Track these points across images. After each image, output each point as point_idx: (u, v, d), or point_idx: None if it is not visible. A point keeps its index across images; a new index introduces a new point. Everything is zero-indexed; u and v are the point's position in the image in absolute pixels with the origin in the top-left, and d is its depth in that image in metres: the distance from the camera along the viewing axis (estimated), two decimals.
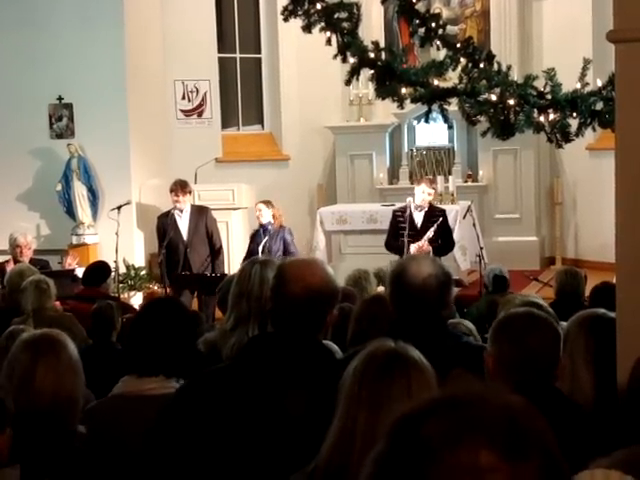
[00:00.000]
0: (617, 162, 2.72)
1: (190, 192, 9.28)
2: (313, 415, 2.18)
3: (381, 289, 6.41)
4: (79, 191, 11.59)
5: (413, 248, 8.46)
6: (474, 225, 10.30)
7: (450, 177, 12.03)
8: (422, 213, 8.79)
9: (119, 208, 9.36)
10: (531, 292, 9.28)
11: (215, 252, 9.20)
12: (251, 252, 8.83)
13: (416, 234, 8.66)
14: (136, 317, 3.20)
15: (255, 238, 9.12)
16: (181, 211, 9.14)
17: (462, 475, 0.91)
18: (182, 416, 2.37)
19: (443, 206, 11.18)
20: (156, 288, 11.29)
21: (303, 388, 2.33)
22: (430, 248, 8.46)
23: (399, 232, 8.78)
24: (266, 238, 8.89)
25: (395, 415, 0.99)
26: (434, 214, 8.78)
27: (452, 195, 11.52)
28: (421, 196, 8.82)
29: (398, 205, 9.34)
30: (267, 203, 9.27)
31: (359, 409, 1.95)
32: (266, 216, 9.10)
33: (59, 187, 11.67)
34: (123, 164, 11.52)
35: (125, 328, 5.99)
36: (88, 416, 3.03)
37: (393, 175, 13.42)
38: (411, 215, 8.79)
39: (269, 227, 9.05)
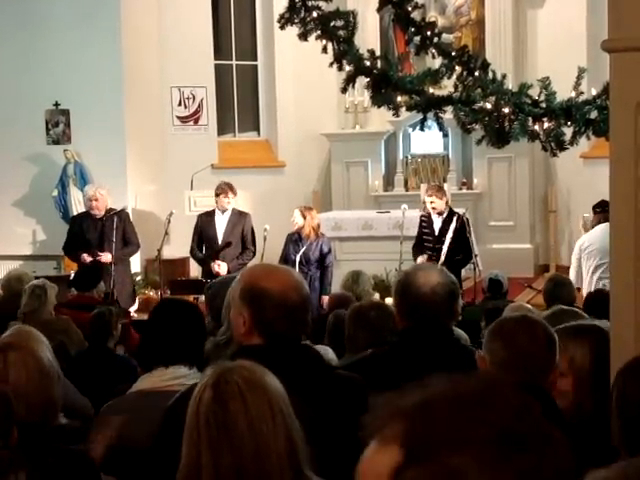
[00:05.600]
0: (611, 170, 2.75)
1: (236, 194, 9.40)
2: (308, 422, 2.17)
3: (389, 300, 6.46)
4: (75, 197, 11.61)
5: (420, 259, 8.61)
6: (469, 232, 10.34)
7: (445, 184, 12.06)
8: (440, 218, 8.93)
9: (116, 214, 9.37)
10: (525, 299, 9.32)
11: (245, 250, 9.25)
12: (286, 257, 8.78)
13: (435, 239, 8.84)
14: (155, 314, 3.23)
15: (291, 244, 8.90)
16: (223, 212, 9.26)
17: None
18: (177, 425, 2.36)
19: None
20: (152, 294, 11.30)
21: (299, 391, 2.33)
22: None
23: (423, 237, 8.98)
24: (304, 248, 8.78)
25: None
26: (450, 218, 8.88)
27: (447, 202, 11.56)
28: (429, 206, 8.99)
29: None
30: (304, 210, 9.03)
31: (200, 444, 1.90)
32: (299, 223, 8.88)
33: (55, 193, 11.69)
34: (119, 170, 11.54)
35: (126, 331, 6.02)
36: (104, 414, 3.07)
37: (388, 182, 13.45)
38: (431, 220, 8.95)
39: (303, 235, 8.83)
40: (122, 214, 9.42)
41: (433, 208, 8.96)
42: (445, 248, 8.62)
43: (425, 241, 8.94)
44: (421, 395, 1.01)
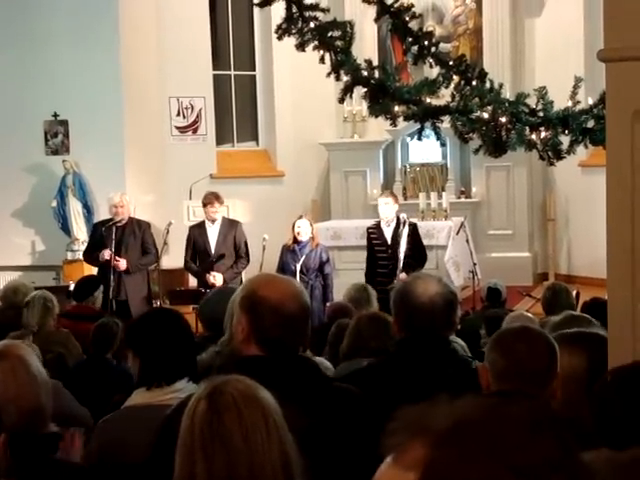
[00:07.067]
0: (608, 179, 2.76)
1: (223, 202, 9.39)
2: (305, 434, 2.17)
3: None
4: (74, 207, 11.64)
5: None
6: (467, 241, 10.36)
7: (443, 193, 12.09)
8: (390, 227, 8.85)
9: (114, 224, 9.38)
10: (524, 308, 9.32)
11: (238, 259, 9.21)
12: (284, 267, 8.73)
13: (387, 249, 8.73)
14: (137, 328, 3.17)
15: (289, 254, 8.87)
16: (213, 222, 9.25)
17: None
18: (172, 437, 2.36)
19: (435, 222, 11.29)
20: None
21: (296, 403, 2.33)
22: None
23: (375, 249, 8.86)
24: (303, 257, 8.73)
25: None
26: (400, 227, 8.78)
27: (445, 211, 11.58)
28: (382, 208, 8.91)
29: (371, 221, 9.39)
30: (308, 220, 9.06)
31: (194, 455, 1.89)
32: (307, 234, 8.86)
33: (54, 203, 11.70)
34: (118, 180, 11.55)
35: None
36: (100, 428, 3.07)
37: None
38: (381, 229, 8.88)
39: (306, 245, 8.82)
40: (142, 224, 9.44)
41: (384, 213, 8.87)
42: (402, 255, 8.55)
43: (378, 252, 8.81)
44: (452, 419, 0.92)
